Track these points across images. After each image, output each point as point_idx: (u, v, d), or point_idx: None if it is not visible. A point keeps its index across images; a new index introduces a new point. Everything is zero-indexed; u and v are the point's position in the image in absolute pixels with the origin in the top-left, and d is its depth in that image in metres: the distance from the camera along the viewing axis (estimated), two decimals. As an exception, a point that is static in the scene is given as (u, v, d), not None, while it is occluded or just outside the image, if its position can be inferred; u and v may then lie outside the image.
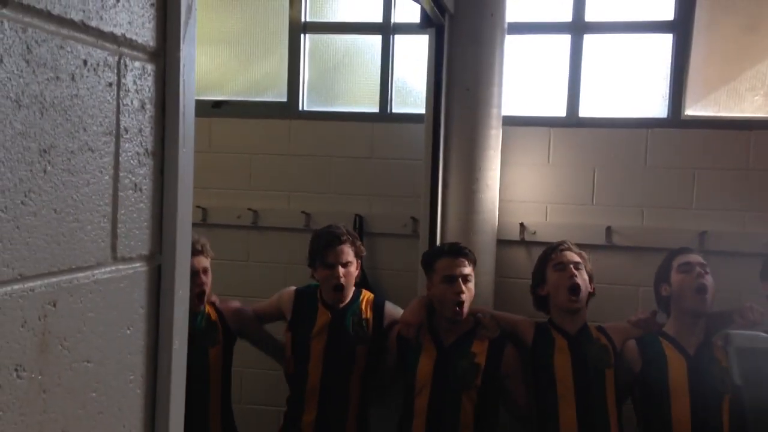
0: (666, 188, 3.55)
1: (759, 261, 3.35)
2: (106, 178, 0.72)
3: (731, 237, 3.43)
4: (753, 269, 3.17)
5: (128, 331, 0.76)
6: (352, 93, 4.02)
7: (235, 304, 3.11)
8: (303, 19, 3.95)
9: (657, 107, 3.65)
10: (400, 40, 3.88)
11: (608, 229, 3.57)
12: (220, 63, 4.10)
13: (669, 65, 3.62)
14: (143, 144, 0.78)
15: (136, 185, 0.76)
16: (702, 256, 2.91)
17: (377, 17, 3.88)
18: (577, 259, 2.87)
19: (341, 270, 2.90)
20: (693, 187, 3.54)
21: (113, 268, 0.74)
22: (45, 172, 0.63)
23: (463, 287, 2.79)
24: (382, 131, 3.84)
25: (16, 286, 0.60)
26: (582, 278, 2.83)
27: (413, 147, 3.58)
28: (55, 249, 0.65)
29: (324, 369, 2.95)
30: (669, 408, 2.73)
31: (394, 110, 3.89)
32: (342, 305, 2.99)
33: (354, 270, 2.97)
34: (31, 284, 0.62)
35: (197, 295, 2.86)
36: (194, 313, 2.93)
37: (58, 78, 0.65)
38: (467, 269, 2.83)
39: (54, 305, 0.65)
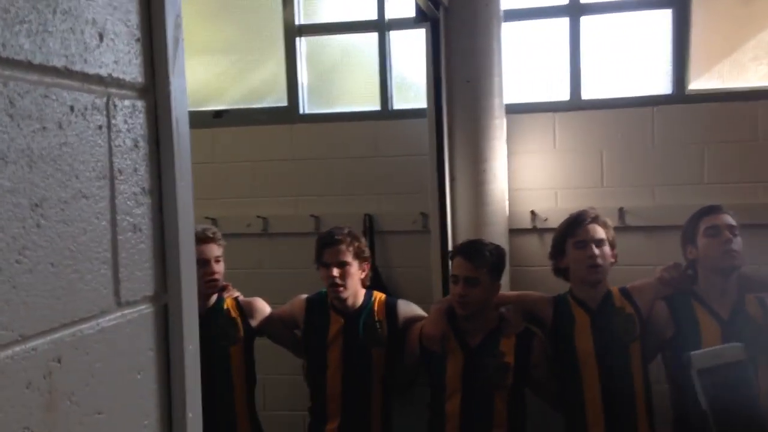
0: (675, 165, 3.52)
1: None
2: (104, 223, 0.71)
3: (746, 209, 3.36)
4: (765, 240, 3.15)
5: (139, 376, 0.75)
6: (351, 93, 4.00)
7: (261, 304, 3.12)
8: (297, 22, 3.93)
9: (660, 84, 3.61)
10: (396, 36, 3.86)
11: (620, 210, 3.53)
12: (217, 72, 4.09)
13: (669, 41, 3.58)
14: (139, 183, 0.76)
15: (135, 226, 0.75)
16: (731, 216, 2.76)
17: (372, 15, 3.85)
18: (600, 235, 2.77)
19: (336, 270, 2.88)
20: (703, 162, 3.51)
21: (118, 314, 0.72)
22: (38, 226, 0.62)
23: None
24: (385, 129, 3.82)
25: (17, 348, 0.59)
26: (603, 255, 2.76)
27: (417, 142, 3.56)
28: (56, 304, 0.64)
29: (343, 375, 2.94)
30: None
31: (395, 107, 3.87)
32: (353, 309, 2.97)
33: (354, 270, 2.93)
34: (33, 344, 0.61)
35: (207, 283, 2.87)
36: (214, 309, 2.95)
37: (44, 128, 0.63)
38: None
39: (59, 361, 0.64)
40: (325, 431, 2.97)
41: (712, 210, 2.78)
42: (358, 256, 2.94)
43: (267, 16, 3.99)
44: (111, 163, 0.72)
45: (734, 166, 3.46)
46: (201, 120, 4.00)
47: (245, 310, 3.04)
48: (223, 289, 3.10)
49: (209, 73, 4.08)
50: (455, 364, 2.81)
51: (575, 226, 2.80)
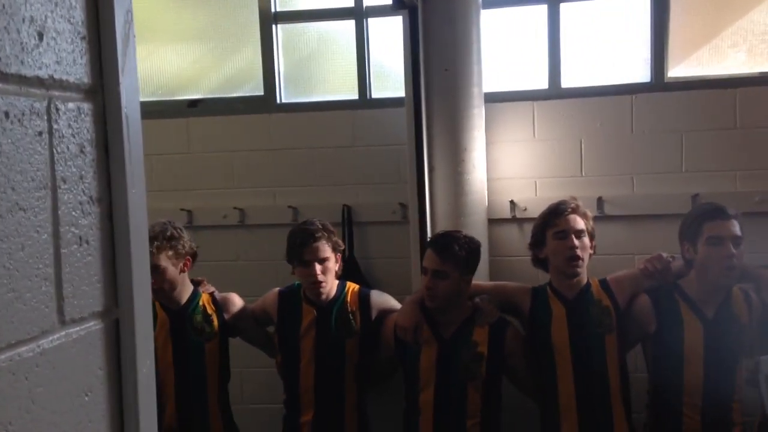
0: (654, 154, 3.51)
1: (751, 221, 3.33)
2: (44, 236, 0.66)
3: (723, 197, 3.34)
4: (745, 228, 3.14)
5: (87, 398, 0.70)
6: (329, 81, 3.94)
7: (236, 300, 3.08)
8: (273, 9, 3.86)
9: (640, 72, 3.59)
10: (374, 24, 3.80)
11: (599, 200, 3.52)
12: (192, 60, 4.01)
13: (648, 28, 3.55)
14: (86, 191, 0.71)
15: (81, 238, 0.70)
16: (737, 222, 2.64)
17: (349, 2, 3.79)
18: (580, 226, 2.74)
19: (318, 267, 2.85)
20: (681, 151, 3.50)
21: (62, 333, 0.68)
22: (-32, 244, 0.57)
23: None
24: (363, 118, 3.77)
25: (-57, 379, 0.54)
26: (583, 246, 2.73)
27: (396, 132, 3.52)
28: (-11, 327, 0.59)
29: (316, 367, 2.93)
30: (682, 373, 2.69)
31: (373, 96, 3.81)
32: (326, 301, 2.94)
33: (332, 265, 2.91)
34: (-38, 373, 0.56)
35: (157, 292, 2.81)
36: (189, 305, 2.90)
37: (-26, 137, 0.58)
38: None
39: (-7, 389, 0.59)
40: (300, 423, 2.96)
41: (719, 214, 2.65)
42: (335, 249, 2.92)
43: (242, 3, 3.91)
44: (53, 171, 0.67)
45: (713, 155, 3.46)
46: (175, 109, 3.92)
47: (221, 306, 3.00)
48: (198, 284, 3.05)
49: (183, 62, 4.00)
50: (429, 354, 2.80)
51: (555, 216, 2.76)
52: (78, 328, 0.70)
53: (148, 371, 0.77)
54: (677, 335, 2.69)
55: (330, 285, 2.93)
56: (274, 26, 3.85)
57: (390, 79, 3.82)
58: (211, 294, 3.02)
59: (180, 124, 3.89)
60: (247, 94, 3.96)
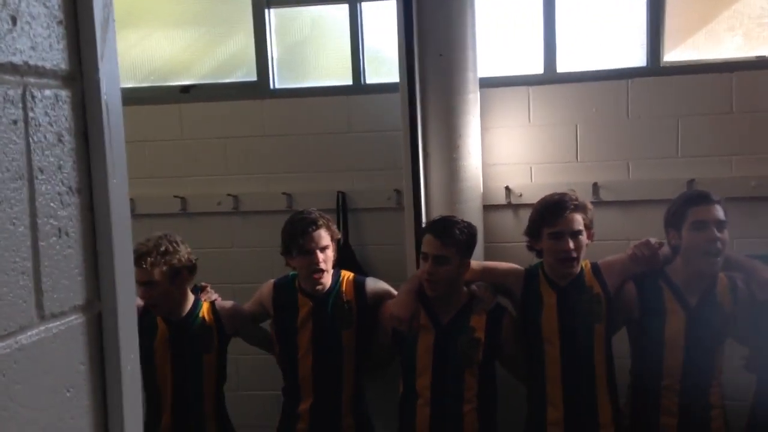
0: (650, 139, 3.49)
1: (747, 206, 3.33)
2: (21, 229, 0.64)
3: (719, 183, 3.37)
4: (741, 213, 3.14)
5: (68, 394, 0.68)
6: (323, 67, 3.91)
7: (235, 308, 3.03)
8: (266, -6, 3.81)
9: (635, 56, 3.57)
10: (367, 8, 3.76)
11: (595, 185, 3.51)
12: (184, 46, 3.97)
13: (644, 12, 3.52)
14: (65, 182, 0.69)
15: (60, 230, 0.68)
16: (721, 207, 2.62)
17: (342, -15, 3.75)
18: (578, 226, 2.69)
19: (320, 255, 2.82)
20: (677, 135, 3.48)
21: (41, 328, 0.65)
22: (-62, 238, 0.55)
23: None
24: (357, 104, 3.74)
25: None
26: (578, 247, 2.70)
27: (391, 118, 3.48)
28: (-38, 324, 0.57)
29: (314, 357, 2.90)
30: (662, 357, 2.70)
31: (368, 81, 3.79)
32: (323, 292, 2.90)
33: (331, 254, 2.88)
34: (-66, 371, 0.54)
35: (153, 307, 2.82)
36: (189, 316, 2.89)
37: (-56, 126, 0.56)
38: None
39: (-32, 387, 0.57)
40: (298, 411, 2.95)
41: (703, 199, 2.65)
42: (333, 237, 2.89)
43: (234, -13, 3.87)
44: (29, 161, 0.64)
45: (709, 139, 3.44)
46: (168, 95, 3.89)
47: (221, 315, 2.96)
48: (201, 290, 3.03)
49: (175, 47, 3.96)
50: (426, 341, 2.79)
51: (553, 215, 2.70)
52: (58, 323, 0.68)
53: (133, 366, 0.75)
54: (659, 322, 2.70)
55: (328, 275, 2.90)
56: (267, 11, 3.81)
57: (384, 64, 3.78)
58: (212, 303, 2.98)
59: (173, 110, 3.86)
60: (240, 80, 3.93)
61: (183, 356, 2.87)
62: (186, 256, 2.81)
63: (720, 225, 2.61)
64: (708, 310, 2.68)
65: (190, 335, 2.87)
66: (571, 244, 2.68)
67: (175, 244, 2.78)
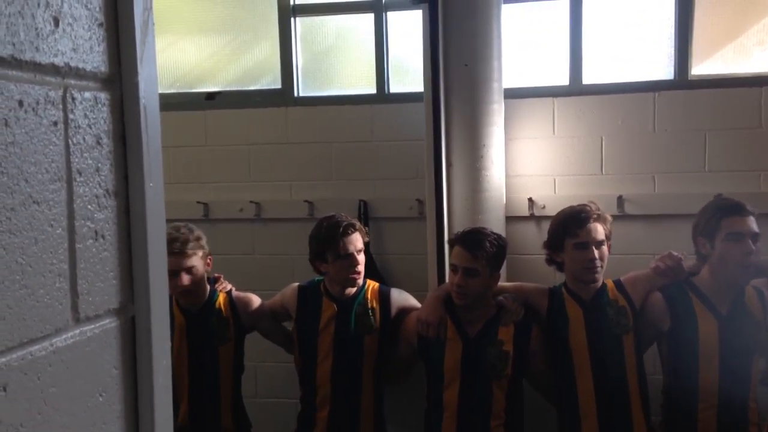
0: (677, 152, 3.45)
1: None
2: (59, 231, 0.63)
3: (746, 198, 3.26)
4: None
5: (101, 398, 0.68)
6: (347, 75, 3.91)
7: (253, 301, 3.04)
8: (292, 2, 3.83)
9: (663, 69, 3.53)
10: (393, 17, 3.76)
11: (620, 199, 3.47)
12: (210, 53, 3.99)
13: (672, 24, 3.49)
14: (102, 184, 0.69)
15: (96, 232, 0.68)
16: (755, 219, 2.60)
17: (368, -5, 3.76)
18: (600, 236, 2.69)
19: (359, 257, 2.83)
20: (704, 150, 3.43)
21: (76, 331, 0.65)
22: (-21, 238, 0.55)
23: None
24: (381, 113, 3.73)
25: (-48, 379, 0.52)
26: (602, 256, 2.69)
27: (414, 127, 3.47)
28: (0, 325, 0.56)
29: (334, 362, 2.90)
30: (697, 370, 2.65)
31: (391, 90, 3.78)
32: (348, 296, 2.91)
33: (364, 257, 2.90)
34: (-29, 372, 0.54)
35: (184, 294, 2.84)
36: (206, 307, 2.89)
37: (-13, 126, 0.56)
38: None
39: (4, 390, 0.56)
40: (316, 419, 2.93)
41: (737, 210, 2.61)
42: (364, 241, 2.90)
43: (260, -5, 3.89)
44: (68, 163, 0.64)
45: (737, 154, 3.39)
46: (193, 102, 3.91)
47: (237, 307, 2.97)
48: (216, 281, 3.04)
49: (201, 54, 3.98)
50: (454, 352, 2.76)
51: (576, 225, 2.70)
52: (92, 326, 0.67)
53: (165, 371, 0.74)
54: (692, 331, 2.65)
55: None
56: (292, 19, 3.83)
57: (408, 73, 3.78)
58: (228, 293, 2.99)
59: (197, 117, 3.88)
60: (265, 87, 3.94)
61: (199, 347, 2.89)
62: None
63: (755, 237, 2.58)
64: (740, 318, 2.63)
65: (207, 326, 2.90)
66: (596, 253, 2.66)
67: (198, 231, 2.83)
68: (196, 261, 2.79)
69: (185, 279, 2.77)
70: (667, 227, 3.41)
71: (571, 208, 2.78)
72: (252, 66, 4.00)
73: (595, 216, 2.71)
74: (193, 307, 2.89)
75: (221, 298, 2.95)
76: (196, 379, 2.90)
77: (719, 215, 2.63)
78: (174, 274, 2.71)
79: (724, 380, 2.62)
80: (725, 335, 2.62)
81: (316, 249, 2.88)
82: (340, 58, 3.93)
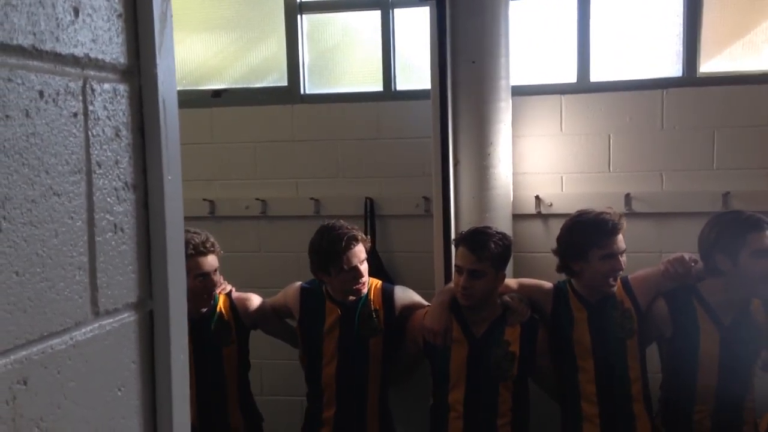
0: (685, 150, 3.43)
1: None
2: (79, 223, 0.62)
3: (755, 196, 3.31)
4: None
5: (119, 393, 0.67)
6: (354, 73, 3.90)
7: (253, 301, 3.00)
8: (298, -1, 3.82)
9: (671, 66, 3.52)
10: (399, 15, 3.75)
11: (627, 196, 3.46)
12: (216, 50, 3.99)
13: (681, 21, 3.47)
14: (121, 177, 0.68)
15: (116, 225, 0.67)
16: None
17: (375, -8, 3.75)
18: (624, 245, 2.64)
19: (362, 269, 2.79)
20: (713, 147, 3.42)
21: (95, 325, 0.64)
22: (0, 230, 0.54)
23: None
24: (387, 110, 3.72)
25: (-26, 372, 0.51)
26: (625, 263, 2.66)
27: (421, 124, 3.46)
28: (21, 318, 0.56)
29: (339, 365, 2.88)
30: (696, 377, 2.64)
31: (398, 88, 3.77)
32: (352, 300, 2.88)
33: (366, 264, 2.86)
34: (-7, 365, 0.53)
35: (207, 298, 2.81)
36: (207, 316, 2.87)
37: (8, 117, 0.55)
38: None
39: (24, 383, 0.56)
40: (322, 418, 2.92)
41: (760, 225, 2.52)
42: (365, 246, 2.86)
43: (267, -8, 3.88)
44: (88, 154, 0.63)
45: (745, 152, 3.38)
46: (199, 99, 3.91)
47: (238, 309, 2.94)
48: None
49: (208, 51, 3.98)
50: (460, 353, 2.74)
51: (605, 236, 2.61)
52: (111, 320, 0.66)
53: (182, 365, 0.74)
54: (693, 342, 2.63)
55: None
56: (299, 16, 3.82)
57: (415, 71, 3.77)
58: (228, 294, 2.96)
59: (204, 114, 3.87)
60: (271, 85, 3.93)
61: (203, 351, 2.86)
62: None
63: None
64: (743, 329, 2.61)
65: (209, 332, 2.86)
66: (621, 263, 2.64)
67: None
68: (215, 263, 2.79)
69: (205, 282, 2.76)
70: (674, 225, 3.40)
71: (594, 216, 2.67)
72: (258, 63, 3.99)
73: (621, 226, 2.64)
74: (195, 314, 2.82)
75: (221, 301, 2.92)
76: (202, 382, 2.87)
77: (743, 231, 2.53)
78: (204, 276, 2.73)
79: (721, 386, 2.61)
80: (726, 346, 2.60)
81: (318, 262, 2.82)
82: (347, 55, 3.92)
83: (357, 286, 2.80)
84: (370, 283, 2.94)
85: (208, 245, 2.74)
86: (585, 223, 2.66)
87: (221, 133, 3.88)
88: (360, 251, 2.78)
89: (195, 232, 2.75)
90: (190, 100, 3.88)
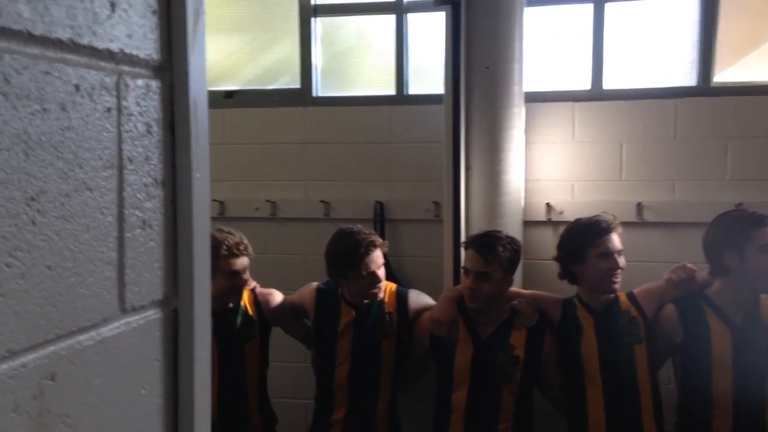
0: (698, 160, 3.42)
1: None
2: (109, 219, 0.62)
3: (768, 208, 3.29)
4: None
5: (143, 391, 0.67)
6: (366, 76, 3.90)
7: (276, 297, 3.03)
8: (313, 2, 3.83)
9: (685, 75, 3.51)
10: (413, 19, 3.75)
11: (639, 206, 3.45)
12: (230, 51, 3.99)
13: (696, 30, 3.47)
14: (151, 173, 0.67)
15: (144, 222, 0.66)
16: None
17: (390, -4, 3.75)
18: (620, 245, 2.69)
19: (381, 273, 2.79)
20: (726, 158, 3.41)
21: (122, 321, 0.64)
22: (34, 223, 0.53)
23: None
24: (399, 114, 3.72)
25: (4, 366, 0.50)
26: (623, 263, 2.70)
27: (433, 129, 3.46)
28: (51, 313, 0.55)
29: (351, 366, 2.88)
30: (710, 381, 2.61)
31: (410, 92, 3.77)
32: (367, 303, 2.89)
33: (384, 271, 2.87)
34: (22, 360, 0.52)
35: (237, 293, 2.85)
36: (232, 310, 2.89)
37: (45, 110, 0.54)
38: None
39: (53, 379, 0.55)
40: (331, 420, 2.92)
41: (765, 221, 2.56)
42: (383, 250, 2.86)
43: (281, -5, 3.89)
44: (120, 150, 0.63)
45: (759, 163, 3.36)
46: (212, 100, 3.87)
47: (261, 305, 2.96)
48: None
49: (221, 52, 3.99)
50: (465, 355, 2.75)
51: (598, 235, 2.68)
52: (137, 317, 0.66)
53: (205, 364, 0.73)
54: (704, 343, 2.62)
55: None
56: (313, 19, 3.83)
57: (428, 75, 3.77)
58: (252, 290, 2.98)
59: (216, 115, 3.88)
60: (284, 87, 3.93)
61: (226, 346, 2.88)
62: None
63: None
64: (755, 329, 2.59)
65: (233, 326, 2.88)
66: (618, 262, 2.67)
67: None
68: (247, 261, 2.83)
69: (237, 280, 2.80)
70: (686, 235, 3.38)
71: (588, 219, 2.75)
72: (271, 65, 4.00)
73: (615, 225, 2.70)
74: (221, 308, 2.87)
75: (246, 297, 2.94)
76: (224, 378, 2.89)
77: (748, 227, 2.57)
78: (234, 274, 2.76)
79: (738, 390, 2.58)
80: (739, 346, 2.58)
81: (335, 266, 2.82)
82: (360, 58, 3.92)
83: (374, 291, 2.80)
84: (385, 287, 2.94)
85: (241, 248, 2.78)
86: (580, 226, 2.75)
87: (233, 134, 3.88)
88: (378, 257, 2.78)
89: (229, 233, 2.80)
90: (203, 100, 3.89)
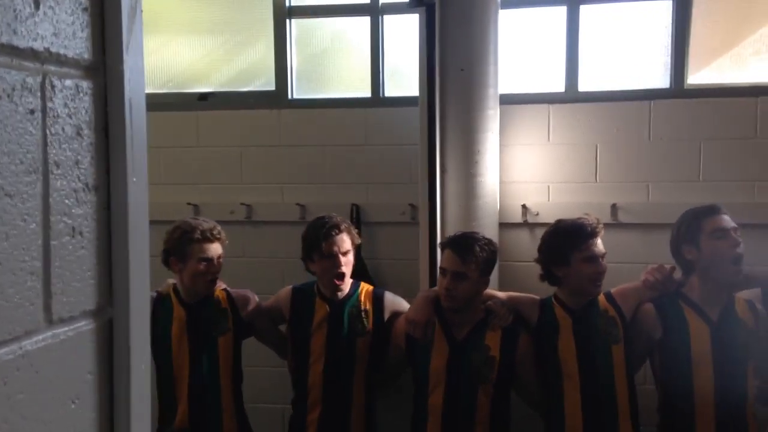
0: (671, 161, 3.43)
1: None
2: (32, 226, 0.59)
3: (741, 208, 3.28)
4: (764, 240, 3.06)
5: (73, 405, 0.64)
6: (342, 78, 3.88)
7: (250, 297, 3.03)
8: (287, 4, 3.80)
9: (659, 78, 3.52)
10: (389, 21, 3.73)
11: (613, 207, 3.45)
12: (203, 53, 3.95)
13: (669, 33, 3.48)
14: (82, 178, 0.65)
15: (74, 229, 0.64)
16: (729, 216, 2.64)
17: (364, -2, 3.73)
18: (603, 248, 2.70)
19: (342, 259, 2.81)
20: (699, 159, 3.42)
21: (48, 333, 0.61)
22: (-56, 232, 0.51)
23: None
24: (375, 117, 3.70)
25: None
26: (606, 267, 2.71)
27: (409, 132, 3.44)
28: (-36, 326, 0.52)
29: (326, 363, 2.88)
30: (691, 378, 2.61)
31: (387, 94, 3.75)
32: (341, 297, 2.90)
33: (351, 259, 2.89)
34: (-68, 376, 0.50)
35: (210, 281, 2.86)
36: (204, 301, 2.89)
37: (-44, 112, 0.52)
38: None
39: (-33, 395, 0.53)
40: (307, 422, 2.91)
41: (714, 210, 2.64)
42: (353, 242, 2.90)
43: (256, -4, 3.85)
44: (45, 154, 0.60)
45: (731, 164, 3.38)
46: (185, 102, 3.87)
47: (236, 302, 2.96)
48: None
49: (195, 54, 3.94)
50: (440, 356, 2.74)
51: (582, 240, 2.68)
52: (66, 329, 0.63)
53: (143, 377, 0.70)
54: (684, 339, 2.63)
55: (349, 280, 2.91)
56: (288, 21, 3.79)
57: (404, 77, 3.75)
58: (225, 290, 2.97)
59: (190, 118, 3.84)
60: (259, 89, 3.90)
61: (198, 339, 2.86)
62: None
63: (736, 231, 2.60)
64: (731, 326, 2.61)
65: (206, 318, 2.88)
66: (603, 265, 2.68)
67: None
68: (221, 249, 2.88)
69: (214, 266, 2.84)
70: (660, 236, 3.35)
71: (572, 222, 2.75)
72: (246, 67, 3.96)
73: (598, 228, 2.71)
74: (194, 299, 2.88)
75: (219, 293, 2.95)
76: (196, 377, 2.86)
77: (698, 218, 2.64)
78: (208, 260, 2.80)
79: (719, 387, 2.59)
80: (717, 341, 2.60)
81: (304, 249, 2.91)
82: (336, 60, 3.89)
83: (337, 272, 2.81)
84: (361, 286, 2.97)
85: (215, 232, 2.82)
86: (564, 228, 2.74)
87: (207, 137, 3.84)
88: (341, 240, 2.83)
89: (204, 220, 2.87)
90: (177, 103, 3.85)
